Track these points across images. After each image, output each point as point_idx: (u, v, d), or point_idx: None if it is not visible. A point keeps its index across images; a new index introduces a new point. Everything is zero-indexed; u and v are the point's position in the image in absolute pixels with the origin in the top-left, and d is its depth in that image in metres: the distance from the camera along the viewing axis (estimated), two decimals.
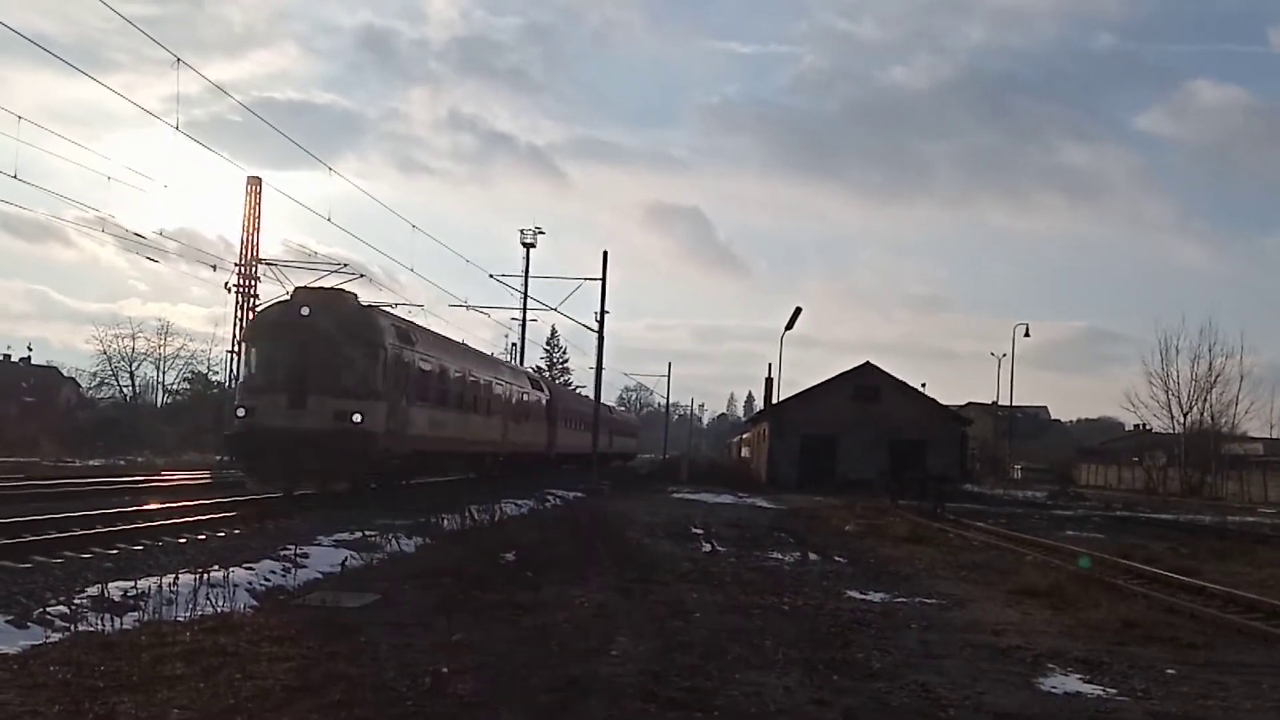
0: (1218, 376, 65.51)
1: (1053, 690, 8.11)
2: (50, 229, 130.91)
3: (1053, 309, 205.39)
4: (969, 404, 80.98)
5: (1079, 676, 8.60)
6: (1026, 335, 68.24)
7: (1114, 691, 8.12)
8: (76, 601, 8.99)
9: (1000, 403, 75.09)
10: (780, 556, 17.18)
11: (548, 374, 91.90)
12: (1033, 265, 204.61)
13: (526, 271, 62.62)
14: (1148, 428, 77.35)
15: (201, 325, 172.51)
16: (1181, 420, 67.32)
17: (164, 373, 75.43)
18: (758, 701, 7.12)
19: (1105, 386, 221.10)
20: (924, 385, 57.53)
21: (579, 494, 31.73)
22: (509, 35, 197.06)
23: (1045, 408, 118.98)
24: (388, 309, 25.97)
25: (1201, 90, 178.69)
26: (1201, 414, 66.93)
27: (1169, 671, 8.94)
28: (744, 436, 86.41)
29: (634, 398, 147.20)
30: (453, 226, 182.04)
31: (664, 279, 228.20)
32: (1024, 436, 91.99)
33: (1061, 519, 33.58)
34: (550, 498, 28.57)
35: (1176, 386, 67.05)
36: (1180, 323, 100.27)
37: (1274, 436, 73.51)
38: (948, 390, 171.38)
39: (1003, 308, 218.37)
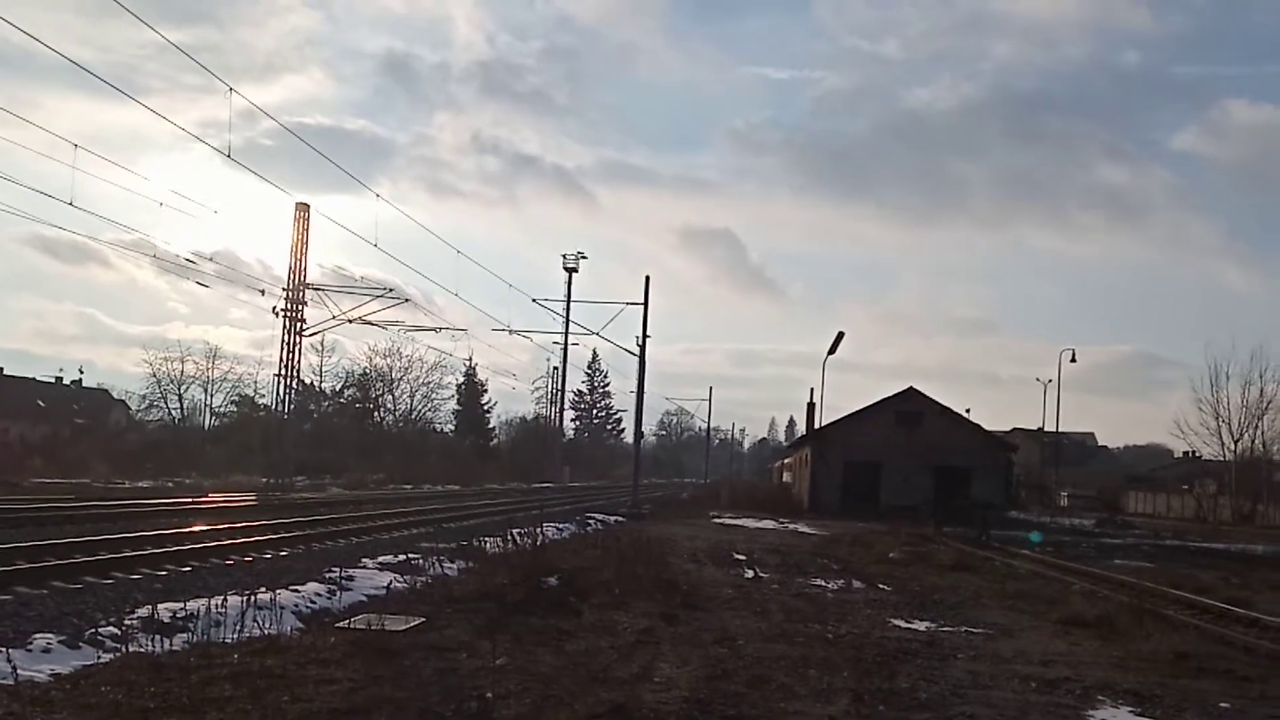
0: (1269, 403, 64.59)
1: None
2: (92, 252, 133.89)
3: (1099, 333, 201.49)
4: (1014, 430, 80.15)
5: (1130, 709, 8.43)
6: (1073, 360, 67.53)
7: None
8: (127, 622, 9.12)
9: (1046, 428, 74.20)
10: (824, 583, 17.05)
11: (588, 397, 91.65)
12: (1077, 288, 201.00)
13: (569, 296, 62.60)
14: (1197, 454, 76.20)
15: (243, 348, 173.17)
16: (1232, 447, 66.37)
17: (212, 395, 76.82)
18: None
19: (1153, 412, 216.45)
20: (968, 410, 57.07)
21: (620, 518, 32.02)
22: (531, 59, 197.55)
23: (1092, 434, 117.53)
24: None
25: (1238, 110, 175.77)
26: (1253, 441, 65.97)
27: (1223, 705, 8.75)
28: (785, 462, 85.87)
29: (674, 422, 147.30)
30: (485, 249, 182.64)
31: (698, 302, 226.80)
32: (1070, 463, 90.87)
33: (1109, 547, 33.06)
34: (591, 522, 28.89)
35: (1227, 413, 66.17)
36: (1230, 348, 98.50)
37: None
38: (992, 416, 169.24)
39: (1047, 331, 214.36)
